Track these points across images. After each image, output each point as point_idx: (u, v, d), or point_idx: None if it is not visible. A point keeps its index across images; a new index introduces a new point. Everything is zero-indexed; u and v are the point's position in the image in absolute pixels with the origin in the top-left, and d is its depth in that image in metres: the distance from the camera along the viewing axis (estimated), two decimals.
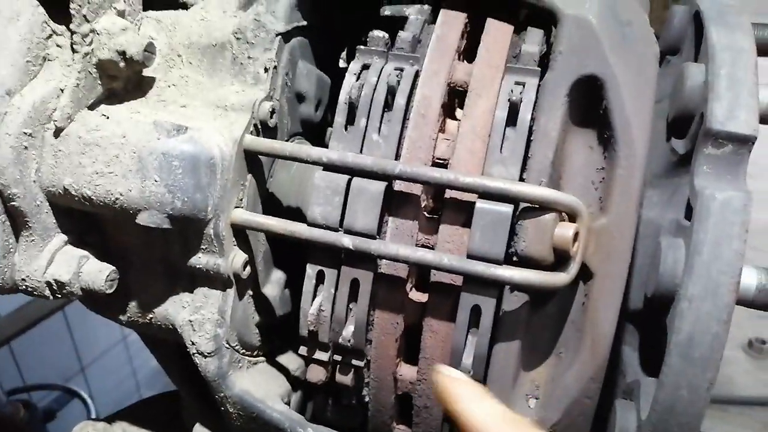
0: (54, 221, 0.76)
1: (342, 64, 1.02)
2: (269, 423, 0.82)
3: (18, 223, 0.74)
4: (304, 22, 0.84)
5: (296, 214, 0.86)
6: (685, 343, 0.68)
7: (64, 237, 0.78)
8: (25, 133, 0.71)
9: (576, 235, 0.69)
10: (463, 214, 0.72)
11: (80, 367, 3.27)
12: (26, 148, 0.72)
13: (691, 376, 0.68)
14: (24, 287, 0.76)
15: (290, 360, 0.95)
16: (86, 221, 0.80)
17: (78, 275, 0.76)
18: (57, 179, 0.73)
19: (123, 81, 0.78)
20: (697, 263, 0.67)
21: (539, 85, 0.73)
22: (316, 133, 0.96)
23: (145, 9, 0.82)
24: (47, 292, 0.76)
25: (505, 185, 0.67)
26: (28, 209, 0.73)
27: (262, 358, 0.91)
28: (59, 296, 0.77)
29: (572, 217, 0.70)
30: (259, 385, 0.85)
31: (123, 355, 3.55)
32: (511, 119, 0.71)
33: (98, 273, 0.76)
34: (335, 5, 0.89)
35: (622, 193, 0.71)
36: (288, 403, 0.89)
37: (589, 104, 0.73)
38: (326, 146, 0.79)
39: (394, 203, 0.75)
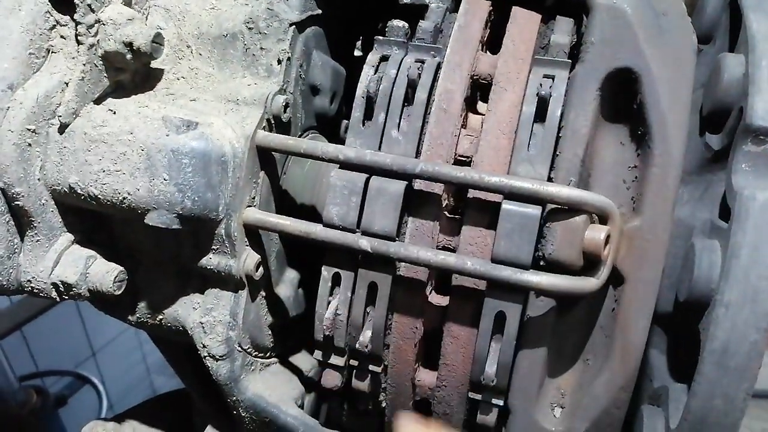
0: (60, 220, 0.74)
1: (357, 53, 0.98)
2: (283, 428, 0.79)
3: (23, 222, 0.71)
4: (319, 11, 0.80)
5: (310, 212, 0.83)
6: (721, 352, 0.64)
7: (71, 236, 0.75)
8: (29, 130, 0.68)
9: (607, 238, 0.65)
10: (487, 215, 0.69)
11: (91, 353, 3.28)
12: (30, 145, 0.69)
13: (726, 386, 0.65)
14: (30, 288, 0.73)
15: (304, 361, 0.92)
16: (93, 220, 0.77)
17: (85, 276, 0.73)
18: (62, 177, 0.70)
19: (130, 73, 0.74)
20: (734, 267, 0.64)
21: (568, 79, 0.69)
22: (330, 126, 0.92)
23: None
24: (54, 294, 0.73)
25: (534, 185, 0.64)
26: (32, 208, 0.70)
27: (274, 360, 0.88)
28: (66, 298, 0.74)
29: (603, 219, 0.66)
30: (272, 388, 0.83)
31: (133, 340, 3.56)
32: (539, 115, 0.67)
33: (106, 274, 0.73)
34: None
35: (656, 193, 0.67)
36: (301, 406, 0.87)
37: (621, 98, 0.69)
38: (341, 140, 0.75)
39: (414, 203, 0.72)
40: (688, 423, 0.67)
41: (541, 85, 0.67)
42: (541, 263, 0.67)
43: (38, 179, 0.70)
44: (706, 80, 0.79)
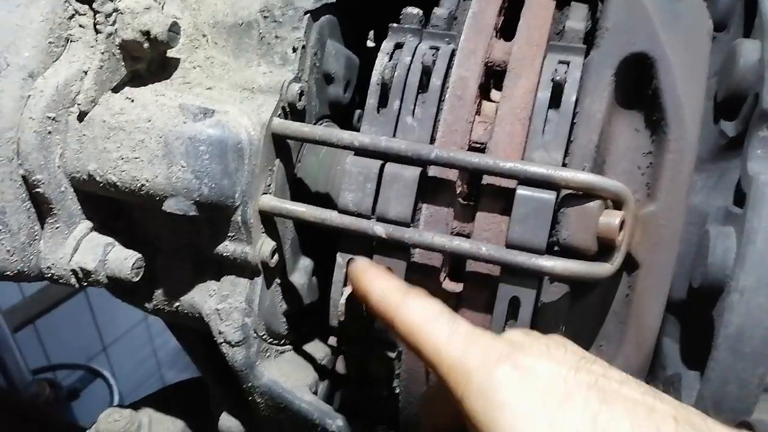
0: (79, 208, 0.75)
1: (369, 44, 0.99)
2: (298, 413, 0.80)
3: (43, 210, 0.73)
4: (333, 0, 0.81)
5: (325, 200, 0.83)
6: (735, 337, 0.64)
7: (89, 224, 0.76)
8: (49, 117, 0.69)
9: (622, 223, 0.65)
10: (501, 201, 0.69)
11: (102, 347, 3.32)
12: (50, 132, 0.70)
13: (741, 371, 0.65)
14: (50, 275, 0.74)
15: (317, 348, 0.93)
16: (111, 208, 0.78)
17: (104, 263, 0.74)
18: (81, 165, 0.71)
19: (147, 62, 0.75)
20: (750, 253, 0.64)
21: (583, 65, 0.69)
22: (343, 116, 0.93)
23: None
24: (73, 280, 0.74)
25: (548, 171, 0.64)
26: (52, 196, 0.71)
27: (289, 347, 0.89)
28: (85, 284, 0.75)
29: (618, 205, 0.66)
30: (287, 374, 0.84)
31: (144, 334, 3.59)
32: (554, 101, 0.68)
33: (124, 261, 0.74)
34: None
35: (671, 180, 0.67)
36: (316, 393, 0.87)
37: (636, 84, 0.69)
38: (354, 130, 0.76)
39: (429, 189, 0.72)
40: (701, 409, 0.67)
41: (556, 70, 0.67)
42: (556, 248, 0.67)
43: (58, 167, 0.71)
44: (721, 67, 0.78)
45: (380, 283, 0.63)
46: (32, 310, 2.80)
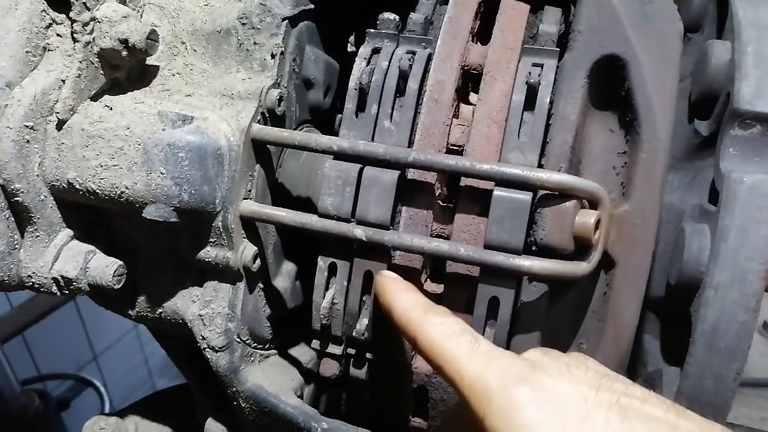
0: (59, 216, 0.75)
1: (350, 48, 0.99)
2: (283, 417, 0.80)
3: (22, 218, 0.73)
4: (311, 6, 0.82)
5: (306, 204, 0.84)
6: (711, 333, 0.65)
7: (70, 232, 0.76)
8: (27, 126, 0.69)
9: (597, 222, 0.66)
10: (479, 203, 0.70)
11: (93, 356, 3.29)
12: (28, 141, 0.70)
13: (717, 366, 0.66)
14: (30, 284, 0.74)
15: (302, 352, 0.93)
16: (92, 215, 0.78)
17: (85, 271, 0.74)
18: (61, 173, 0.71)
19: (126, 70, 0.75)
20: (723, 250, 0.65)
21: (557, 67, 0.70)
22: (325, 120, 0.93)
23: None
24: (54, 289, 0.74)
25: (524, 172, 0.65)
26: (32, 204, 0.71)
27: (273, 351, 0.89)
28: (66, 292, 0.75)
29: (593, 204, 0.67)
30: (271, 378, 0.84)
31: (135, 343, 3.57)
32: (529, 103, 0.69)
33: (105, 268, 0.74)
34: None
35: (644, 178, 0.68)
36: (301, 396, 0.88)
37: (609, 86, 0.70)
38: (336, 134, 0.76)
39: (408, 192, 0.73)
40: (681, 404, 0.68)
41: (530, 73, 0.68)
42: (533, 248, 0.68)
43: (37, 175, 0.71)
44: (694, 67, 0.80)
45: (404, 298, 0.64)
46: (21, 320, 2.78)
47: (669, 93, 0.68)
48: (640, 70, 0.67)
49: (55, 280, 0.74)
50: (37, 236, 0.73)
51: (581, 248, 0.67)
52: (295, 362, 0.91)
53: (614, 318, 0.70)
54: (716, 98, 0.73)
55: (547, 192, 0.67)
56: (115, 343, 3.43)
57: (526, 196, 0.66)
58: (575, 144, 0.70)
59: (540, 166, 0.69)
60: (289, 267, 0.88)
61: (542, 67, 0.69)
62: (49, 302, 2.86)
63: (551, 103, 0.69)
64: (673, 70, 0.69)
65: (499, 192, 0.66)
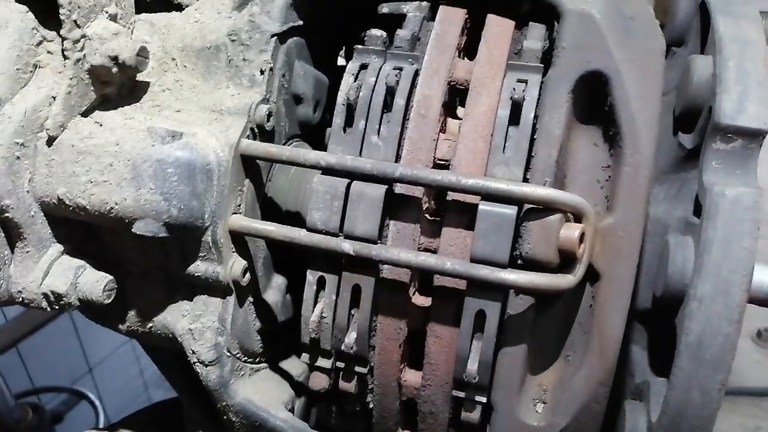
0: (49, 231, 0.75)
1: (341, 62, 1.00)
2: (273, 431, 0.80)
3: (12, 234, 0.73)
4: (300, 22, 0.83)
5: (296, 219, 0.84)
6: (696, 345, 0.66)
7: (60, 247, 0.76)
8: (17, 143, 0.70)
9: (582, 236, 0.67)
10: (466, 217, 0.71)
11: (88, 368, 3.28)
12: (18, 158, 0.71)
13: (702, 378, 0.66)
14: (21, 299, 0.75)
15: (293, 365, 0.93)
16: (82, 231, 0.78)
17: (75, 286, 0.75)
18: (51, 189, 0.72)
19: (116, 86, 0.76)
20: (706, 262, 0.65)
21: (542, 82, 0.71)
22: (315, 134, 0.94)
23: (138, 12, 0.80)
24: (44, 304, 0.75)
25: (509, 186, 0.66)
26: (22, 220, 0.72)
27: (264, 365, 0.89)
28: (56, 308, 0.75)
29: (578, 218, 0.68)
30: (262, 392, 0.84)
31: (130, 355, 3.55)
32: (514, 118, 0.70)
33: (95, 283, 0.75)
34: (332, 4, 0.87)
35: (628, 192, 0.69)
36: (292, 410, 0.88)
37: (593, 101, 0.71)
38: (326, 148, 0.77)
39: (395, 206, 0.74)
40: (668, 416, 0.69)
41: (514, 89, 0.69)
42: (519, 262, 0.69)
43: (27, 191, 0.72)
44: (678, 82, 0.81)
45: None
46: (15, 333, 2.77)
47: (652, 107, 0.69)
48: (622, 85, 0.68)
49: (45, 295, 0.75)
50: (27, 252, 0.73)
51: (566, 261, 0.68)
52: (286, 376, 0.91)
53: (600, 330, 0.71)
54: (699, 112, 0.74)
55: (533, 206, 0.68)
56: (110, 355, 3.41)
57: (511, 211, 0.67)
58: (560, 158, 0.71)
59: (525, 180, 0.70)
60: (279, 281, 0.89)
61: (526, 83, 0.70)
62: (44, 315, 2.85)
63: (536, 118, 0.70)
64: (656, 85, 0.70)
65: (484, 206, 0.67)
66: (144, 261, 0.79)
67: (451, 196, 0.72)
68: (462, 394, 0.73)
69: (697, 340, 0.66)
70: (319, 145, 0.95)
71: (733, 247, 0.65)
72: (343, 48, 1.01)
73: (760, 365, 2.49)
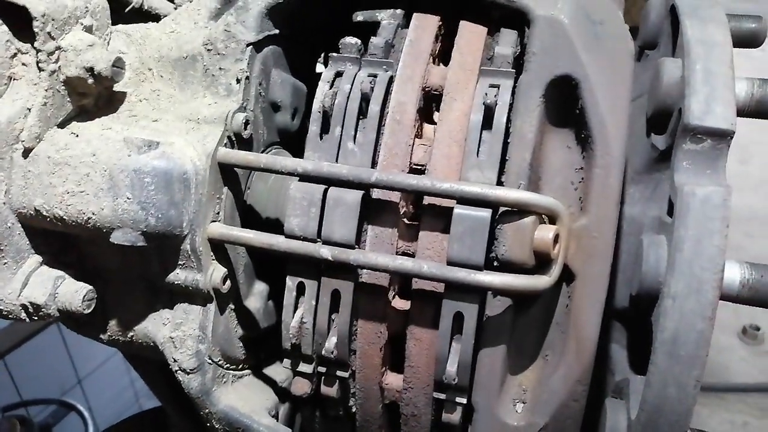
0: (27, 243, 0.75)
1: (320, 68, 1.01)
2: None
3: None
4: (276, 31, 0.83)
5: (275, 226, 0.85)
6: (671, 342, 0.67)
7: (39, 258, 0.76)
8: None
9: (556, 237, 0.68)
10: (442, 220, 0.72)
11: (77, 380, 3.25)
12: None
13: (678, 374, 0.67)
14: None
15: (277, 371, 0.94)
16: (61, 241, 0.78)
17: (54, 297, 0.75)
18: (28, 200, 0.72)
19: (93, 97, 0.77)
20: (678, 260, 0.66)
21: (514, 87, 0.72)
22: (295, 142, 0.94)
23: (114, 23, 0.81)
24: (23, 315, 0.75)
25: (482, 190, 0.67)
26: None
27: (248, 371, 0.90)
28: (36, 318, 0.75)
29: (552, 219, 0.69)
30: (245, 399, 0.84)
31: (120, 365, 3.52)
32: (487, 122, 0.71)
33: (75, 293, 0.75)
34: (308, 12, 0.88)
35: (600, 193, 0.70)
36: (276, 416, 0.88)
37: (565, 104, 0.72)
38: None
39: (373, 211, 0.74)
40: (645, 412, 0.70)
41: (486, 94, 0.70)
42: (495, 264, 0.70)
43: (3, 203, 0.72)
44: (649, 84, 0.82)
45: None
46: (2, 345, 2.75)
47: (621, 110, 0.70)
48: (591, 88, 0.69)
49: (23, 306, 0.74)
50: (5, 263, 0.73)
51: (542, 262, 0.69)
52: (270, 382, 0.91)
53: (576, 329, 0.72)
54: (670, 114, 0.76)
55: (507, 209, 0.69)
56: (100, 366, 3.39)
57: (485, 213, 0.68)
58: (534, 161, 0.72)
59: (500, 183, 0.71)
60: (260, 287, 0.89)
61: (498, 88, 0.71)
62: (31, 326, 2.83)
63: (509, 122, 0.71)
64: (625, 87, 0.72)
65: (459, 210, 0.68)
66: (123, 270, 0.79)
67: (428, 200, 0.73)
68: (443, 396, 0.73)
69: (671, 337, 0.67)
70: (300, 152, 0.95)
71: (705, 245, 0.66)
72: (322, 55, 1.02)
73: (746, 362, 2.51)
